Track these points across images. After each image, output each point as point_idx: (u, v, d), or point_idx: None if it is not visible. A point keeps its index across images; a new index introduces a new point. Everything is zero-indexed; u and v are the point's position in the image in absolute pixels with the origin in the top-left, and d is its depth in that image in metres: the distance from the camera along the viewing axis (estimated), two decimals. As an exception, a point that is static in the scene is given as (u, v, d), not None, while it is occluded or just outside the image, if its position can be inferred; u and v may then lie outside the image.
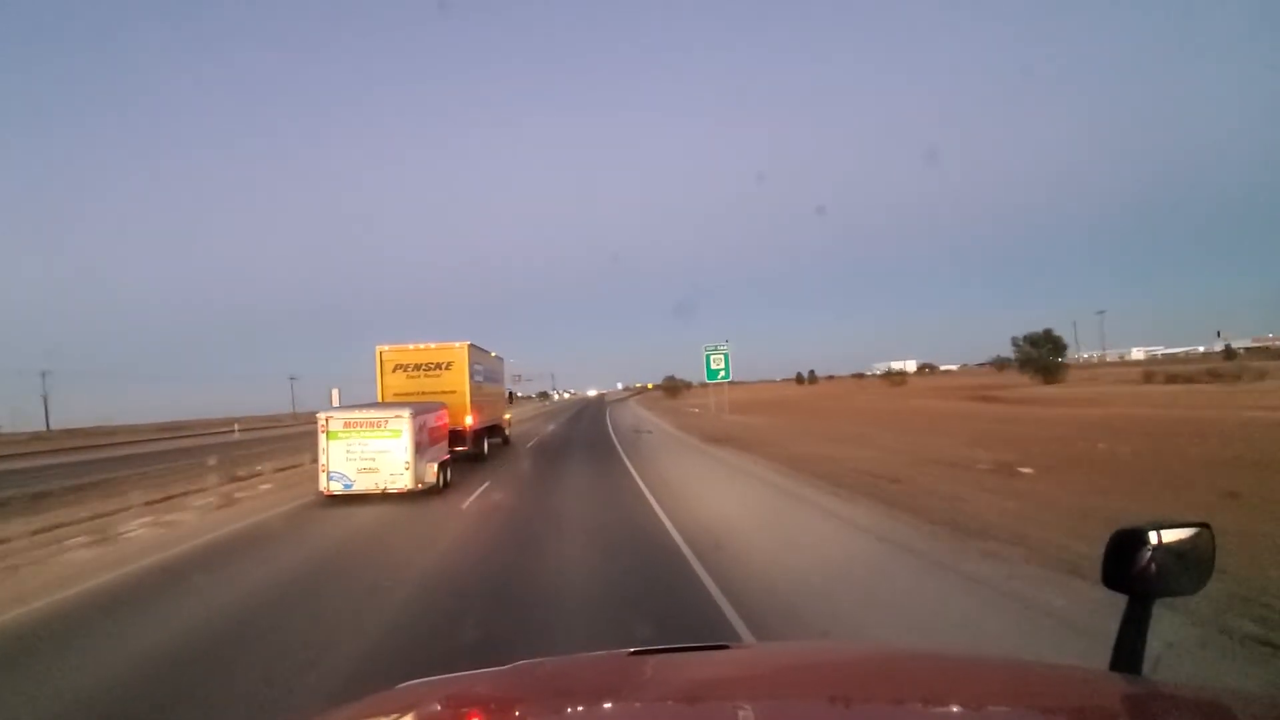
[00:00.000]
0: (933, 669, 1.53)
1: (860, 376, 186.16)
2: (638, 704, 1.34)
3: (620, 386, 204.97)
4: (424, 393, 17.15)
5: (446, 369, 18.10)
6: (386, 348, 18.16)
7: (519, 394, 37.88)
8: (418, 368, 18.12)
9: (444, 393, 17.27)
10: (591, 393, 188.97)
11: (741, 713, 1.25)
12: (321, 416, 12.47)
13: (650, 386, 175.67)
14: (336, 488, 12.06)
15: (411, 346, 18.35)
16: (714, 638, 4.33)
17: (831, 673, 1.52)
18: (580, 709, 1.32)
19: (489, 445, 20.23)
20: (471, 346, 18.69)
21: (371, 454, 12.17)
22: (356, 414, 12.49)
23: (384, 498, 12.06)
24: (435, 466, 12.99)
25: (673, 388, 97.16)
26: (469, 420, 17.73)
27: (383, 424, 12.28)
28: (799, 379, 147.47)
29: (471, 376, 18.40)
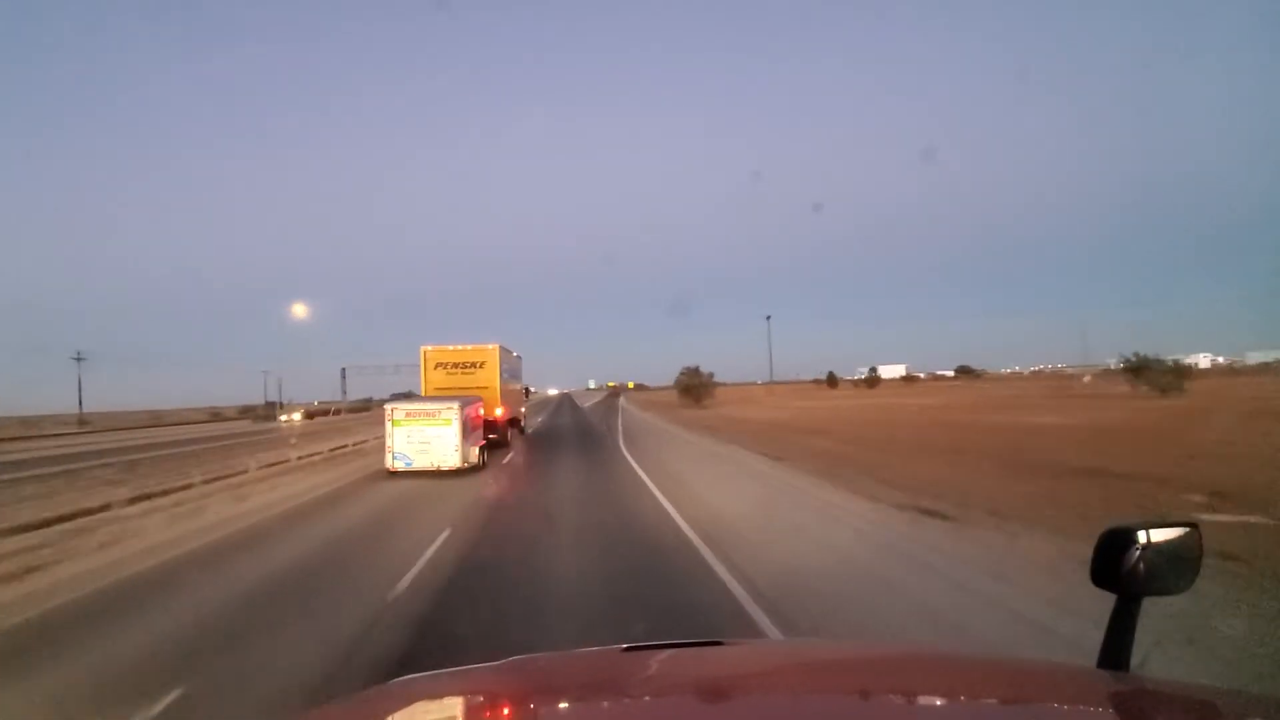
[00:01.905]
0: (921, 666, 1.59)
1: (912, 379, 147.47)
2: (631, 700, 1.35)
3: (592, 385, 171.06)
4: (461, 388, 19.14)
5: (480, 367, 20.28)
6: (430, 348, 20.52)
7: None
8: (455, 366, 20.28)
9: (478, 388, 19.22)
10: (553, 391, 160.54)
11: (735, 709, 1.28)
12: (388, 408, 15.11)
13: (631, 385, 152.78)
14: (399, 465, 14.45)
15: (451, 347, 20.63)
16: None
17: (823, 670, 1.55)
18: (574, 705, 1.34)
19: (509, 434, 22.47)
20: (501, 348, 21.00)
21: (428, 438, 14.50)
22: (416, 406, 15.11)
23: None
24: (477, 450, 15.44)
25: (694, 386, 58.93)
26: (499, 412, 19.92)
27: (437, 414, 14.61)
28: (831, 381, 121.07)
29: (501, 375, 20.64)
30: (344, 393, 64.23)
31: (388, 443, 14.79)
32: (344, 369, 64.55)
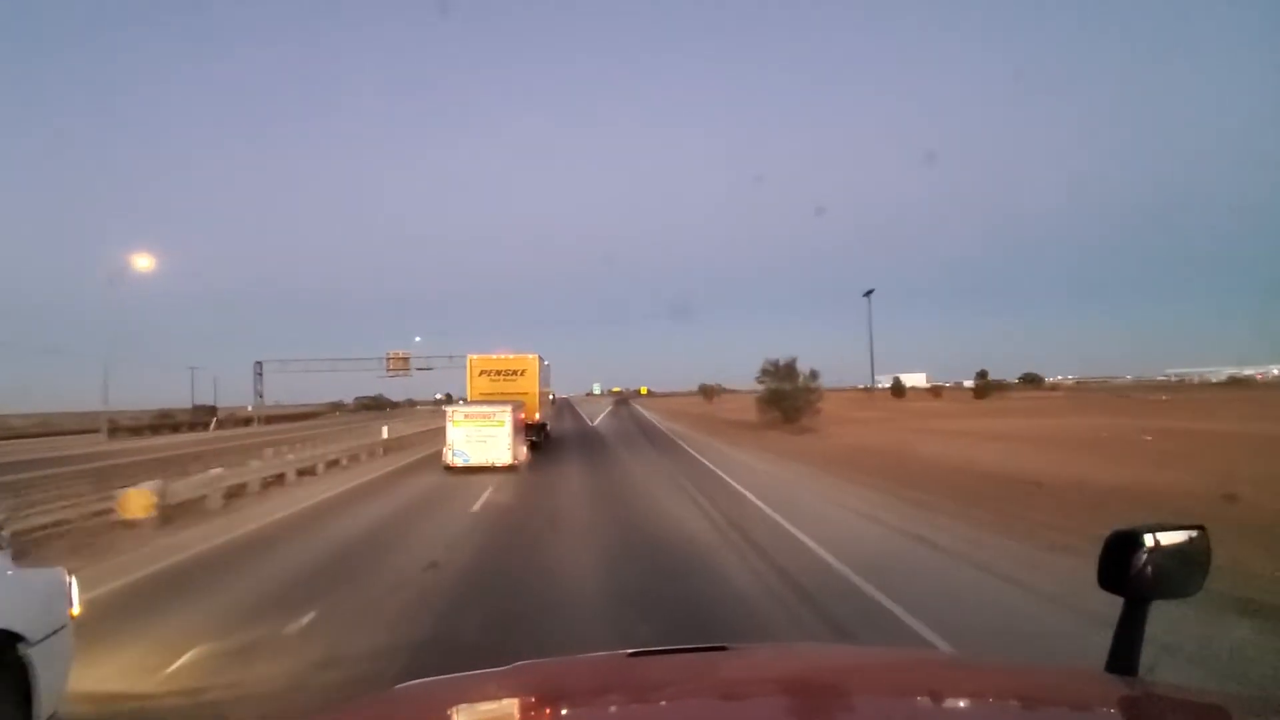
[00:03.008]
0: (931, 671, 1.57)
1: (1002, 388, 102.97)
2: (637, 705, 1.33)
3: (596, 389, 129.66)
4: (503, 393, 20.79)
5: (520, 375, 22.23)
6: (476, 356, 22.67)
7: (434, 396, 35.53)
8: (498, 373, 22.16)
9: (518, 394, 20.92)
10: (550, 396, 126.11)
11: (741, 714, 1.27)
12: (449, 410, 17.52)
13: (644, 391, 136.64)
14: (458, 461, 16.23)
15: (495, 356, 22.74)
16: None
17: (830, 675, 1.52)
18: (579, 710, 1.32)
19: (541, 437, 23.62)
20: (539, 357, 23.00)
21: (484, 437, 16.38)
22: (474, 409, 17.14)
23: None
24: (525, 448, 17.88)
25: (787, 396, 31.52)
26: (537, 416, 21.64)
27: (492, 416, 16.63)
28: (897, 390, 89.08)
29: (539, 382, 22.58)
30: (259, 394, 47.07)
31: (448, 440, 16.51)
32: (259, 363, 47.60)
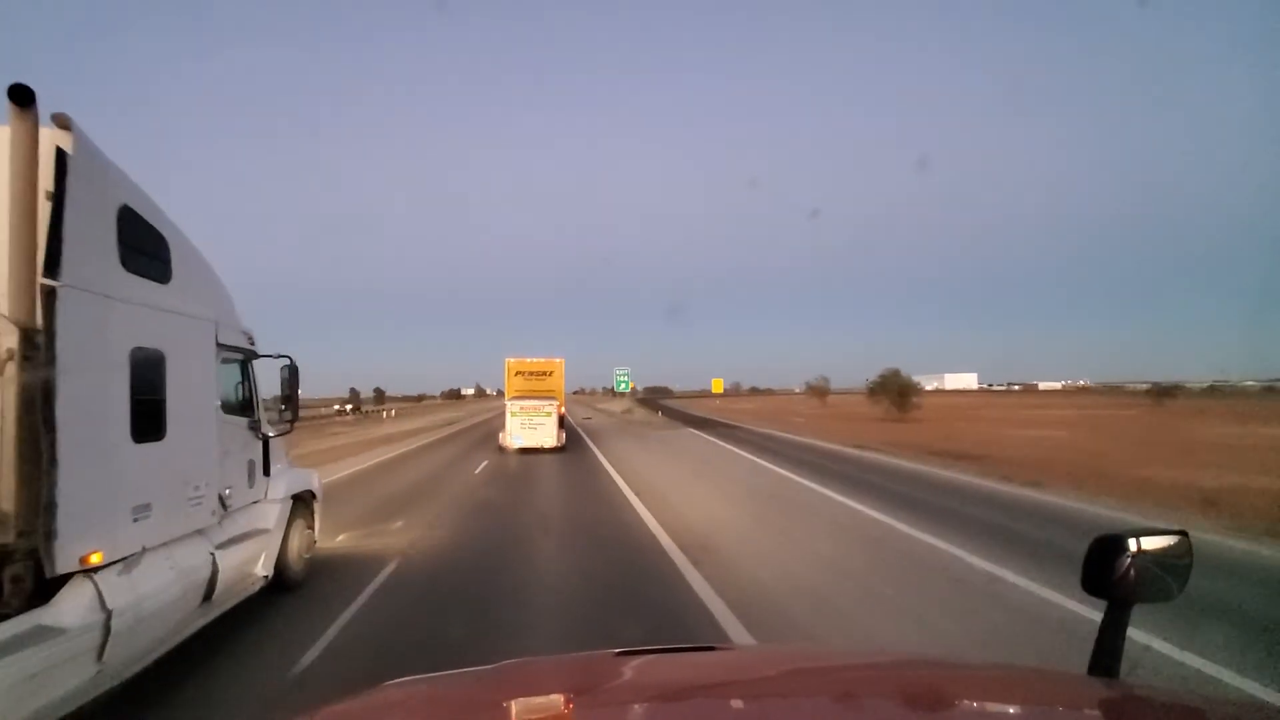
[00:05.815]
0: (913, 672, 1.57)
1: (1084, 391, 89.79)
2: (623, 705, 1.32)
3: (623, 380, 59.00)
4: (534, 391, 24.16)
5: (549, 375, 25.65)
6: (513, 360, 25.91)
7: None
8: (531, 374, 25.49)
9: (547, 391, 24.30)
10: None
11: (727, 714, 1.28)
12: (508, 404, 21.76)
13: (718, 387, 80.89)
14: (514, 444, 20.73)
15: (529, 360, 26.01)
16: None
17: (815, 675, 1.55)
18: (565, 709, 1.33)
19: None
20: (563, 361, 27.03)
21: (534, 425, 20.96)
22: (528, 403, 21.50)
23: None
24: (564, 435, 21.81)
25: None
26: (562, 410, 24.51)
27: (541, 409, 21.24)
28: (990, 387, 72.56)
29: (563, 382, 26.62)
30: None
31: (506, 427, 21.11)
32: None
